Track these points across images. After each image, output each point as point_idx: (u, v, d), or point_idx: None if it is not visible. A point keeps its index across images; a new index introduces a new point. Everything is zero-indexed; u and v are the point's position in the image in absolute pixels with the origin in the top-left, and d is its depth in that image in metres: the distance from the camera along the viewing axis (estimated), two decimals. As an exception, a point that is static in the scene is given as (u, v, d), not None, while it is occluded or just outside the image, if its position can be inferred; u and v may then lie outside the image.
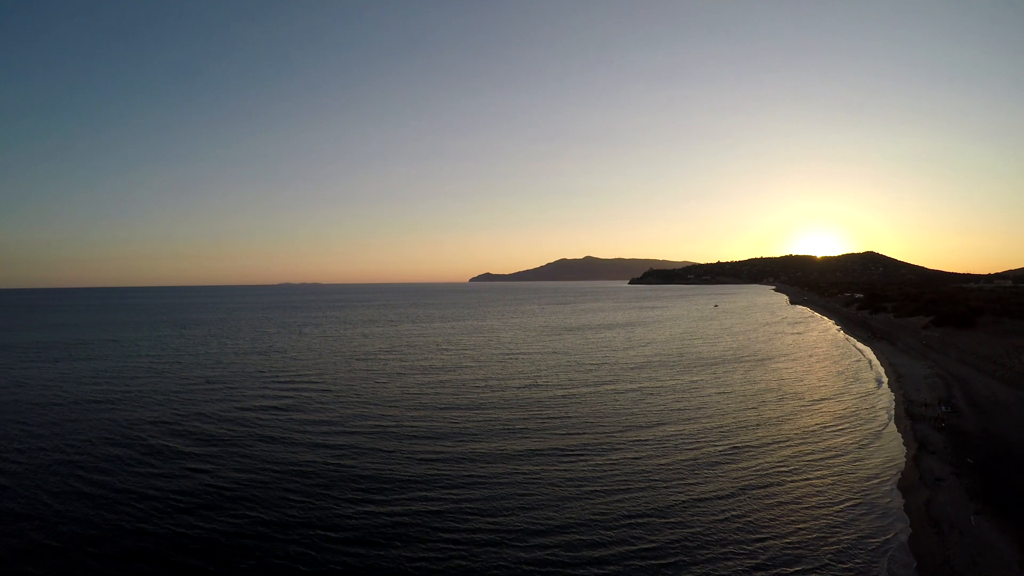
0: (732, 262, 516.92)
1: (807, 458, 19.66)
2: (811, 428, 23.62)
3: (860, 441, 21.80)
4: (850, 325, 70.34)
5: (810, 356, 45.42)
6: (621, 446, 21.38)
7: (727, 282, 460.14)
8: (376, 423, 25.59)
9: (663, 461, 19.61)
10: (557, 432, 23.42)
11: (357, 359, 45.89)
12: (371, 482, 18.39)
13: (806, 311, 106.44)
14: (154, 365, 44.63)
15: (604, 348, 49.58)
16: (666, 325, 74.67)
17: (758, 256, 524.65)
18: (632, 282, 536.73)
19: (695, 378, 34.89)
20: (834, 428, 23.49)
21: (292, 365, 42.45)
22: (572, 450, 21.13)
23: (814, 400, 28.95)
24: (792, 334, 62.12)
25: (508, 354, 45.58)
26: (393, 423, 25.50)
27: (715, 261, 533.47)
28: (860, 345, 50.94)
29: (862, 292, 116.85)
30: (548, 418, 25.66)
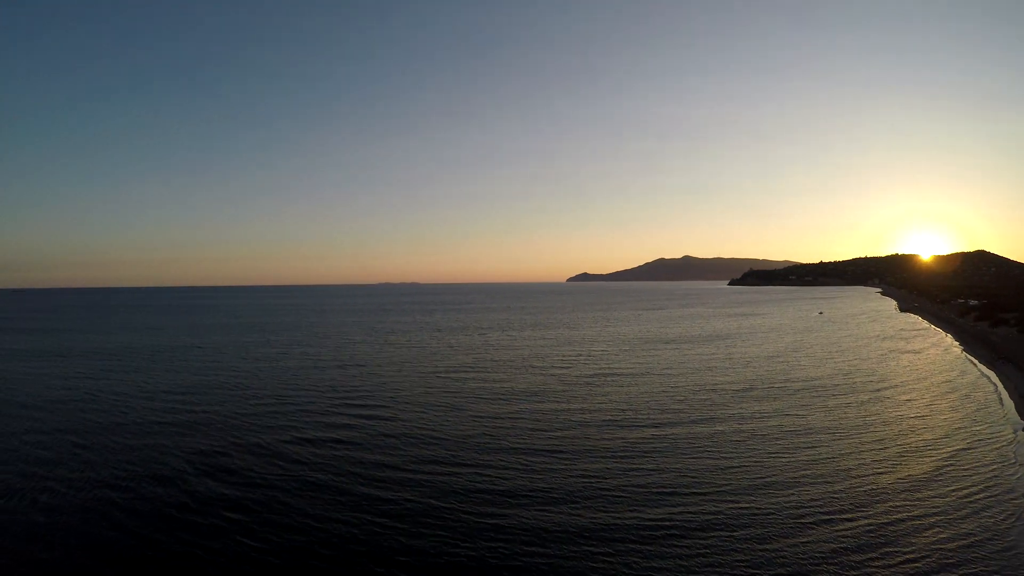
0: (835, 262, 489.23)
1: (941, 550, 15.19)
2: (941, 502, 18.54)
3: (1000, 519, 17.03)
4: (969, 341, 62.20)
5: (930, 384, 39.35)
6: (715, 524, 17.24)
7: (830, 283, 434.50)
8: (434, 470, 22.41)
9: (768, 550, 15.64)
10: (639, 496, 19.49)
11: (438, 375, 43.94)
12: (414, 554, 15.87)
13: (918, 321, 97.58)
14: (227, 379, 44.41)
15: (702, 368, 45.30)
16: (768, 338, 68.63)
17: (862, 256, 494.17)
18: (732, 283, 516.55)
19: (804, 415, 30.22)
20: (975, 504, 18.15)
21: (367, 383, 41.17)
22: (655, 526, 17.26)
23: (942, 457, 23.29)
24: (907, 352, 55.68)
25: (598, 375, 42.23)
26: (451, 471, 22.14)
27: (817, 261, 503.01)
28: (984, 369, 44.61)
29: (979, 298, 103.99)
30: (632, 472, 21.58)
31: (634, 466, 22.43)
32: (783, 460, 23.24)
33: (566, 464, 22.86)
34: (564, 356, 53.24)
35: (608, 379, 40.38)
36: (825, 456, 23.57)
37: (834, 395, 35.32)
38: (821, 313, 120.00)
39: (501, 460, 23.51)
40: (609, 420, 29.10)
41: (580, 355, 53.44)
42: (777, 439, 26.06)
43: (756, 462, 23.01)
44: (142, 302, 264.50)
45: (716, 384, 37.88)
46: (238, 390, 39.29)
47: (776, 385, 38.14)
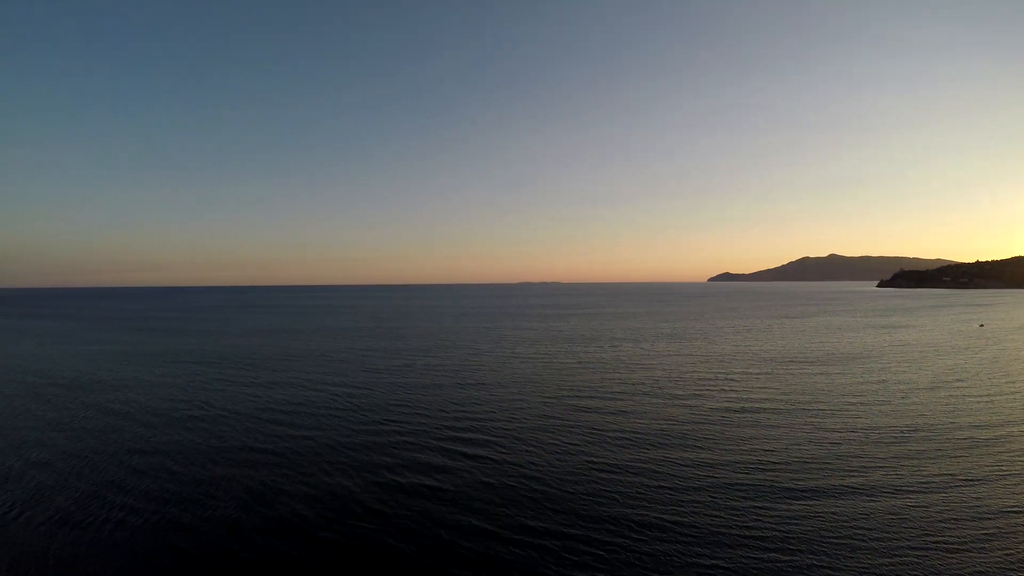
0: (993, 261, 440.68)
1: None
2: None
3: None
4: None
5: None
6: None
7: (988, 286, 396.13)
8: (529, 535, 19.69)
9: None
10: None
11: (560, 400, 40.68)
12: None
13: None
14: (341, 393, 43.57)
15: (853, 402, 39.04)
16: (924, 361, 58.78)
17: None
18: (880, 285, 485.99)
19: (979, 490, 22.98)
20: None
21: (480, 409, 38.43)
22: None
23: None
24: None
25: (733, 409, 37.44)
26: (542, 543, 19.18)
27: (973, 260, 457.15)
28: None
29: None
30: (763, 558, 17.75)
31: (766, 552, 18.27)
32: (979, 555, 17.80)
33: (687, 540, 19.27)
34: (698, 378, 49.35)
35: (744, 415, 35.71)
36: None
37: (1015, 462, 26.99)
38: (982, 326, 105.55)
39: (609, 527, 20.38)
40: (742, 484, 24.07)
41: (715, 378, 49.20)
42: (951, 527, 19.86)
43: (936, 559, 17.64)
44: (275, 302, 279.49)
45: (868, 429, 32.49)
46: (342, 410, 38.47)
47: (938, 435, 31.36)
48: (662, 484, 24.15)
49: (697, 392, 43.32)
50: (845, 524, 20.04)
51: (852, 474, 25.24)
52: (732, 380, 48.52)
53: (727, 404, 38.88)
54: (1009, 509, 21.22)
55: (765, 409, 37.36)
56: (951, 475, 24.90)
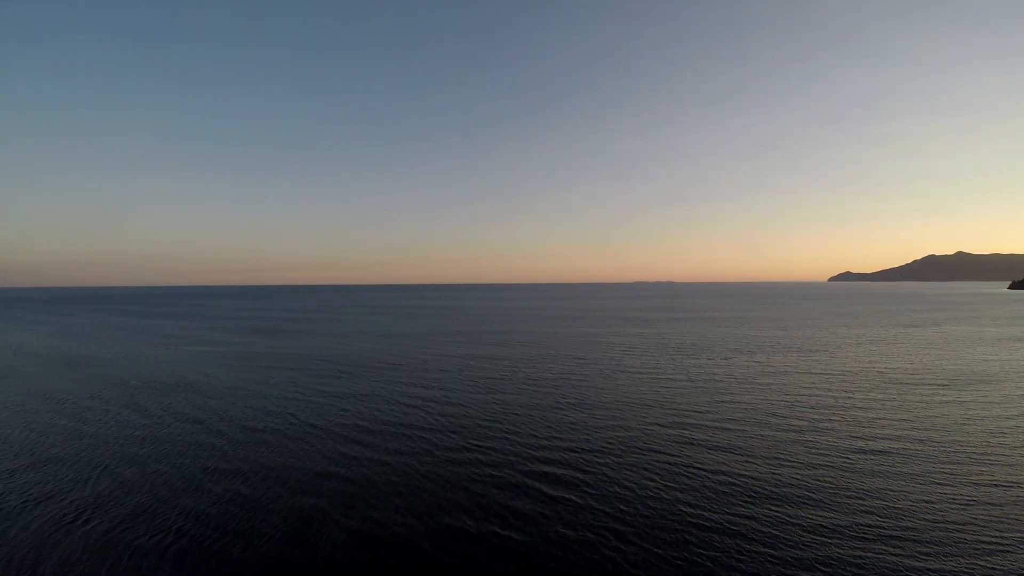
0: None
1: None
2: None
3: None
4: None
5: None
6: None
7: None
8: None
9: None
10: None
11: (664, 425, 38.87)
12: None
13: None
14: (425, 413, 42.97)
15: (992, 443, 33.77)
16: None
17: None
18: (1012, 287, 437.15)
19: None
20: None
21: (572, 436, 37.20)
22: None
23: None
24: None
25: (855, 449, 33.54)
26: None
27: None
28: None
29: None
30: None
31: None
32: None
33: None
34: (818, 403, 45.24)
35: (870, 458, 31.73)
36: None
37: None
38: None
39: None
40: (861, 558, 21.08)
41: (837, 404, 44.96)
42: None
43: None
44: (380, 302, 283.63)
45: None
46: (429, 431, 38.55)
47: None
48: (770, 552, 21.15)
49: (817, 423, 39.36)
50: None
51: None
52: (856, 408, 43.94)
53: (850, 442, 34.74)
54: None
55: (894, 451, 33.00)
56: None
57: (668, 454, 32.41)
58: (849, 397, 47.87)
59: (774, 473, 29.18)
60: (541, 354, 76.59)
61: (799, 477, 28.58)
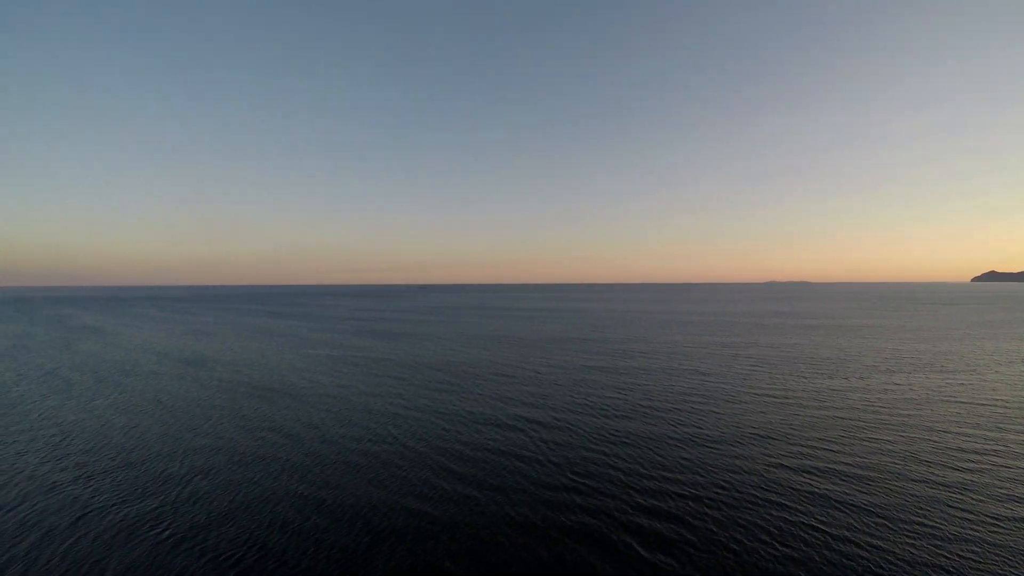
0: None
1: None
2: None
3: None
4: None
5: None
6: None
7: None
8: None
9: None
10: None
11: (791, 468, 34.92)
12: None
13: None
14: (526, 438, 40.53)
15: None
16: None
17: None
18: None
19: None
20: None
21: (683, 478, 34.17)
22: None
23: None
24: None
25: (1017, 517, 27.97)
26: None
27: None
28: None
29: None
30: None
31: None
32: None
33: None
34: (964, 445, 38.93)
35: None
36: None
37: None
38: None
39: None
40: None
41: (985, 448, 38.28)
42: None
43: None
44: (494, 303, 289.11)
45: None
46: (528, 461, 36.28)
47: None
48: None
49: (965, 473, 33.60)
50: None
51: None
52: (1013, 453, 37.31)
53: (1010, 508, 29.08)
54: None
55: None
56: None
57: (791, 508, 29.06)
58: (1001, 436, 41.52)
59: (917, 545, 24.95)
60: (661, 368, 73.75)
61: (949, 554, 24.10)
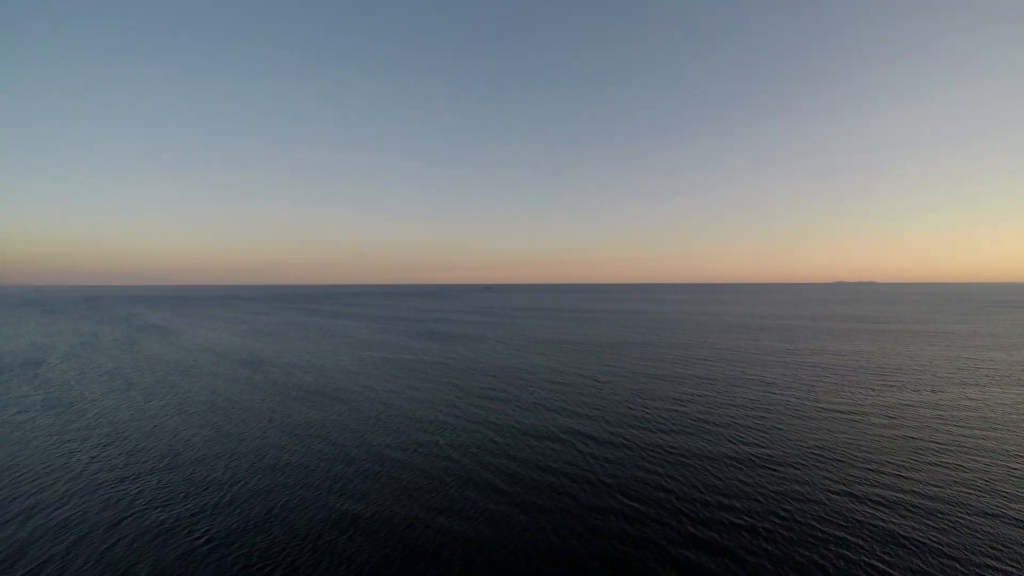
0: None
1: None
2: None
3: None
4: None
5: None
6: None
7: None
8: None
9: None
10: None
11: (849, 494, 32.80)
12: None
13: None
14: (586, 460, 38.98)
15: None
16: None
17: None
18: None
19: None
20: None
21: (740, 494, 32.53)
22: None
23: None
24: None
25: None
26: None
27: None
28: None
29: None
30: None
31: None
32: None
33: None
34: None
35: None
36: None
37: None
38: None
39: None
40: None
41: None
42: None
43: None
44: (551, 304, 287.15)
45: None
46: (590, 485, 35.07)
47: None
48: None
49: None
50: None
51: None
52: None
53: None
54: None
55: None
56: None
57: (853, 544, 27.30)
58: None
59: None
60: (723, 376, 71.41)
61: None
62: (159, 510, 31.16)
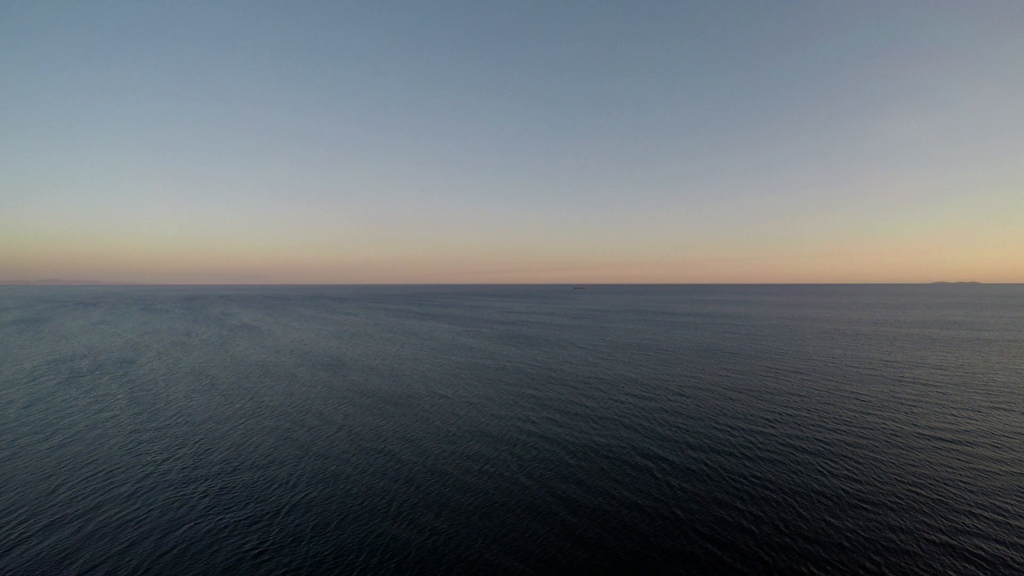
0: None
1: None
2: None
3: None
4: None
5: None
6: None
7: None
8: None
9: None
10: None
11: (968, 552, 29.76)
12: None
13: None
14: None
15: None
16: None
17: None
18: None
19: None
20: None
21: (827, 541, 29.88)
22: None
23: None
24: None
25: None
26: None
27: None
28: None
29: None
30: None
31: None
32: None
33: None
34: None
35: None
36: None
37: None
38: None
39: None
40: None
41: None
42: None
43: None
44: (654, 306, 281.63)
45: None
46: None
47: None
48: None
49: None
50: None
51: None
52: None
53: None
54: None
55: None
56: None
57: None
58: None
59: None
60: (816, 391, 67.50)
61: None
62: (217, 516, 32.56)
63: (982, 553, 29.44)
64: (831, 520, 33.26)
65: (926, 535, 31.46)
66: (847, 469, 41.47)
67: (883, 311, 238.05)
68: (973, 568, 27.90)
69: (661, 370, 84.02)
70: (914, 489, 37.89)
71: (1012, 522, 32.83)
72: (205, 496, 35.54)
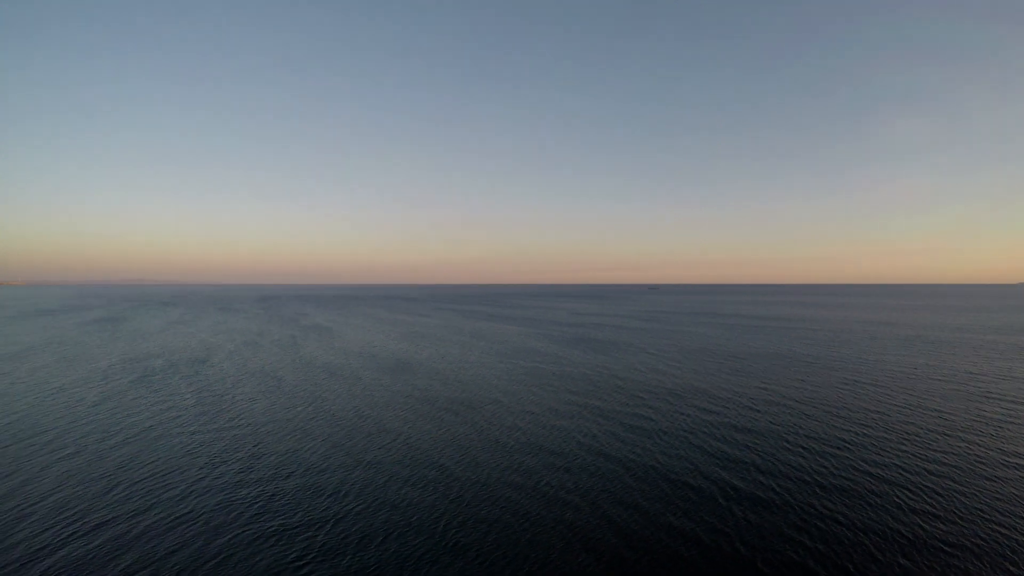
0: None
1: None
2: None
3: None
4: None
5: None
6: None
7: None
8: None
9: None
10: None
11: None
12: None
13: None
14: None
15: None
16: None
17: None
18: None
19: None
20: None
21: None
22: None
23: None
24: None
25: None
26: None
27: None
28: None
29: None
30: None
31: None
32: None
33: None
34: None
35: None
36: None
37: None
38: None
39: None
40: None
41: None
42: None
43: None
44: (723, 309, 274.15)
45: None
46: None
47: None
48: None
49: None
50: None
51: None
52: None
53: None
54: None
55: None
56: None
57: None
58: None
59: None
60: (897, 408, 62.24)
61: None
62: (264, 522, 33.18)
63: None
64: (905, 563, 30.45)
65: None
66: (928, 503, 38.01)
67: (966, 315, 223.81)
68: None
69: (732, 380, 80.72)
70: (1000, 530, 33.95)
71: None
72: (255, 501, 36.25)
